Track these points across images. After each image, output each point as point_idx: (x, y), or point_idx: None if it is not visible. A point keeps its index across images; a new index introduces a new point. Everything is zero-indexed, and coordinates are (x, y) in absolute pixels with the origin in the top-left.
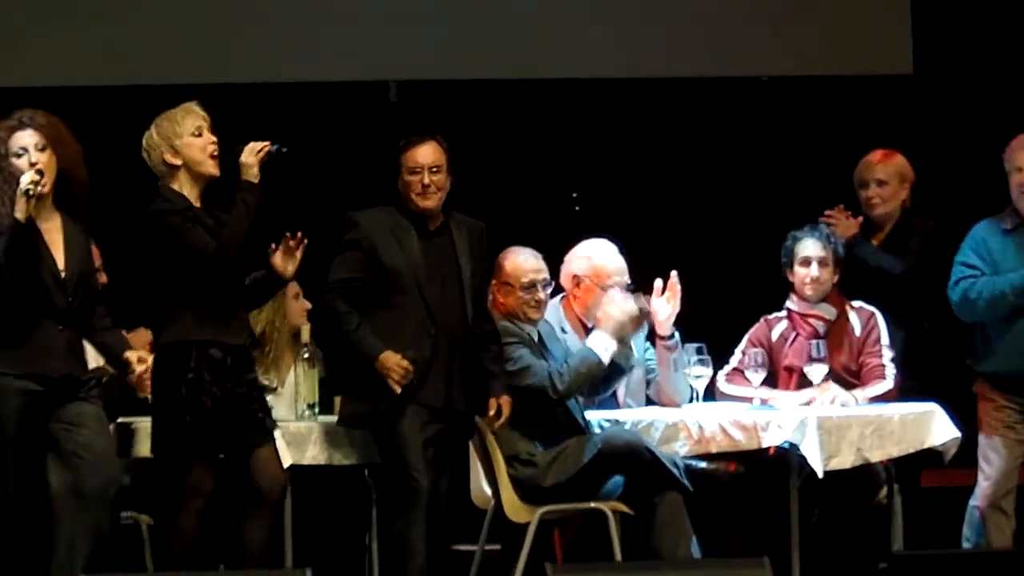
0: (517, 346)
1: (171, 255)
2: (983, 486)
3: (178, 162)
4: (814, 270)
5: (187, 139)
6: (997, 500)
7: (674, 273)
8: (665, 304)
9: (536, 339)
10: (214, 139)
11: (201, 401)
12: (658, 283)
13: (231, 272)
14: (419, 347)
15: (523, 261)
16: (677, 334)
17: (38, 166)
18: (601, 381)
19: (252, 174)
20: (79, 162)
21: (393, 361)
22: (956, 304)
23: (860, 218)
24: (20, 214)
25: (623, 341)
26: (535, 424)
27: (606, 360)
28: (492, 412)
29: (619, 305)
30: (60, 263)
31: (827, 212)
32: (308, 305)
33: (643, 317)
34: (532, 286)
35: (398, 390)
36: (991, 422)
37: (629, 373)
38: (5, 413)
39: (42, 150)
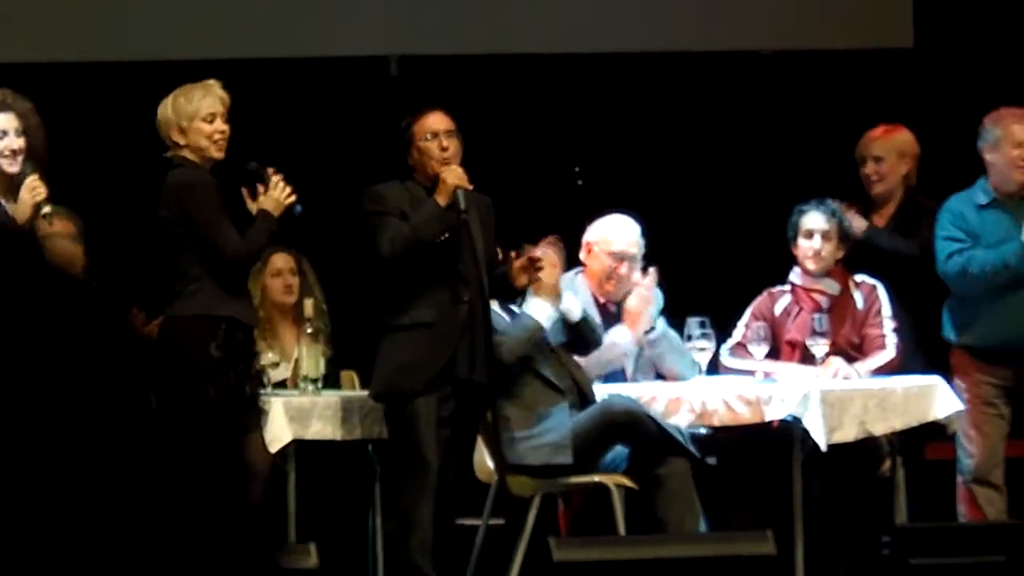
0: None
1: (196, 233)
2: (966, 463)
3: (183, 143)
4: (816, 242)
5: (197, 123)
6: (983, 475)
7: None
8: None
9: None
10: (224, 128)
11: (227, 377)
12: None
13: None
14: (453, 314)
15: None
16: (659, 325)
17: (18, 155)
18: (577, 343)
19: (272, 219)
20: (45, 151)
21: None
22: (952, 277)
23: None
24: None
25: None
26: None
27: (546, 324)
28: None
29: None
30: None
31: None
32: (290, 282)
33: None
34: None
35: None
36: (969, 400)
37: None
38: None
39: (19, 135)
